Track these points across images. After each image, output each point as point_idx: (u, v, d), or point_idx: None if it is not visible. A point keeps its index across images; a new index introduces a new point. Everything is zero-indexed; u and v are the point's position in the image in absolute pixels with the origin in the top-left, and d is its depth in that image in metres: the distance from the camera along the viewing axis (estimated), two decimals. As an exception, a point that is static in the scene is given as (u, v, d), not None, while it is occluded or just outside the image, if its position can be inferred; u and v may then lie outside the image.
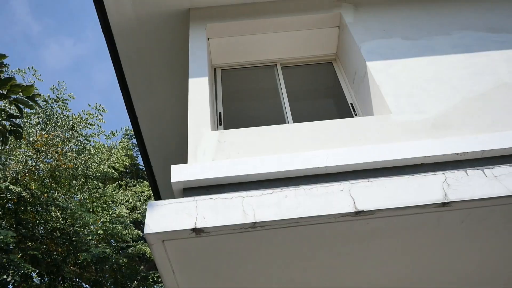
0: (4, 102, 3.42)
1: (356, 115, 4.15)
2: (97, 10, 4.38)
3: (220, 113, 4.15)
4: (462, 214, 2.27)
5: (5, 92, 2.91)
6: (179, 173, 2.88)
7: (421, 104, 3.47)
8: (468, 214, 2.27)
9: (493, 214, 2.34)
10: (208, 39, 4.47)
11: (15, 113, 3.69)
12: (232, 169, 2.87)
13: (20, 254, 7.85)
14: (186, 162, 3.11)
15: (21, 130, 3.13)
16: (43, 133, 8.85)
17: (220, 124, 4.04)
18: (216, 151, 3.14)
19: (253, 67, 4.73)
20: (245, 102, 4.70)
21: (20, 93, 3.02)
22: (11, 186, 7.81)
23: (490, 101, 3.47)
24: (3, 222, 8.14)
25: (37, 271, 8.48)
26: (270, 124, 4.21)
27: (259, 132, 3.30)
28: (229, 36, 4.52)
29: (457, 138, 3.07)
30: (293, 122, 4.16)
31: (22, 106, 3.10)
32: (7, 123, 3.22)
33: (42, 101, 10.18)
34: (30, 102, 3.06)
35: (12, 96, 2.97)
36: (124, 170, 14.39)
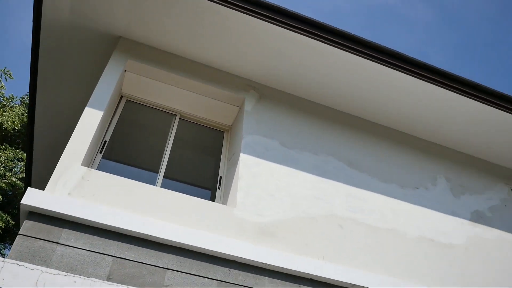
0: None
1: (219, 188, 4.76)
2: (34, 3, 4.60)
3: (105, 141, 4.55)
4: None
5: None
6: (30, 198, 3.25)
7: (263, 208, 4.15)
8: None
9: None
10: (125, 71, 4.87)
11: None
12: (75, 210, 3.31)
13: None
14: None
15: None
16: None
17: (100, 152, 4.44)
18: (75, 187, 3.55)
19: (156, 109, 5.19)
20: (135, 136, 5.12)
21: None
22: None
23: (314, 226, 4.25)
24: None
25: None
26: (145, 163, 4.71)
27: (121, 183, 3.76)
28: (144, 77, 4.96)
29: (270, 250, 3.77)
30: (166, 168, 4.68)
31: None
32: None
33: None
34: None
35: None
36: (12, 132, 14.02)
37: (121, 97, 5.06)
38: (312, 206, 4.43)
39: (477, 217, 5.40)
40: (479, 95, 5.40)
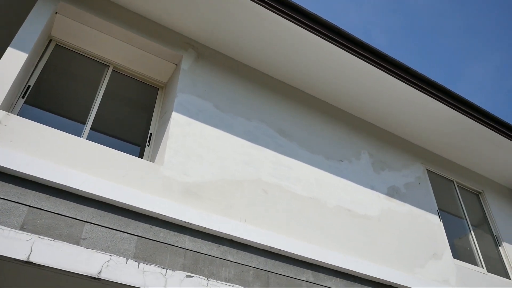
0: None
1: (148, 146, 4.69)
2: None
3: (29, 86, 4.29)
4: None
5: None
6: None
7: (191, 169, 4.17)
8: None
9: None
10: (56, 13, 4.57)
11: None
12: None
13: None
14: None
15: None
16: None
17: (23, 97, 4.19)
18: (-9, 131, 3.35)
19: (88, 57, 4.95)
20: (63, 83, 4.86)
21: None
22: None
23: (239, 190, 4.34)
24: None
25: None
26: (72, 113, 4.52)
27: (43, 132, 3.59)
28: (77, 22, 4.68)
29: (193, 210, 3.82)
30: (94, 120, 4.54)
31: None
32: None
33: None
34: None
35: None
36: None
37: (50, 40, 4.76)
38: (240, 170, 4.51)
39: (393, 192, 5.78)
40: (409, 78, 5.68)
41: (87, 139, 4.33)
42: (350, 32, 5.26)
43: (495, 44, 24.32)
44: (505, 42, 23.88)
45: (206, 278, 3.40)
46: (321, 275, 4.32)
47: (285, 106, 5.50)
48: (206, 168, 4.28)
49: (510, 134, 6.64)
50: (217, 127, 4.67)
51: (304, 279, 4.16)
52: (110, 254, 3.04)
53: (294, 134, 5.29)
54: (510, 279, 6.36)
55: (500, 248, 6.72)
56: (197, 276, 3.37)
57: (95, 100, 4.65)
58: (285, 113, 5.42)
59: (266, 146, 4.92)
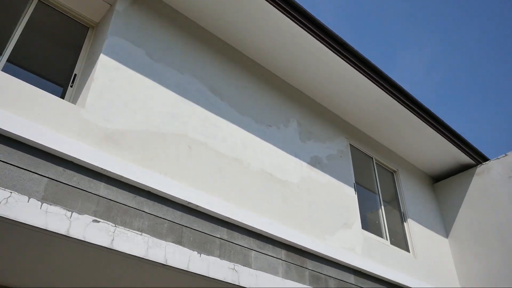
0: None
1: (71, 87, 4.44)
2: None
3: None
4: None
5: None
6: None
7: (114, 115, 4.01)
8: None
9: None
10: None
11: None
12: None
13: None
14: None
15: None
16: None
17: None
18: None
19: (11, -19, 4.52)
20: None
21: None
22: None
23: (163, 143, 4.26)
24: None
25: None
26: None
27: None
28: None
29: (112, 157, 3.70)
30: (13, 52, 4.21)
31: None
32: None
33: None
34: None
35: None
36: None
37: (-32, -44, 4.28)
38: (166, 123, 4.42)
39: (315, 162, 5.98)
40: (344, 53, 5.81)
41: (2, 70, 4.01)
42: (294, -1, 5.24)
43: (430, 36, 25.47)
44: (439, 35, 25.08)
45: (114, 225, 3.34)
46: (236, 233, 4.42)
47: (220, 64, 5.42)
48: (131, 116, 4.15)
49: (429, 120, 7.07)
50: (147, 75, 4.51)
51: (218, 236, 4.23)
52: (10, 191, 2.87)
53: (225, 93, 5.25)
54: (409, 252, 6.92)
55: (405, 224, 7.25)
56: (105, 221, 3.29)
57: (15, 31, 4.28)
58: (219, 71, 5.34)
59: (196, 102, 4.85)
